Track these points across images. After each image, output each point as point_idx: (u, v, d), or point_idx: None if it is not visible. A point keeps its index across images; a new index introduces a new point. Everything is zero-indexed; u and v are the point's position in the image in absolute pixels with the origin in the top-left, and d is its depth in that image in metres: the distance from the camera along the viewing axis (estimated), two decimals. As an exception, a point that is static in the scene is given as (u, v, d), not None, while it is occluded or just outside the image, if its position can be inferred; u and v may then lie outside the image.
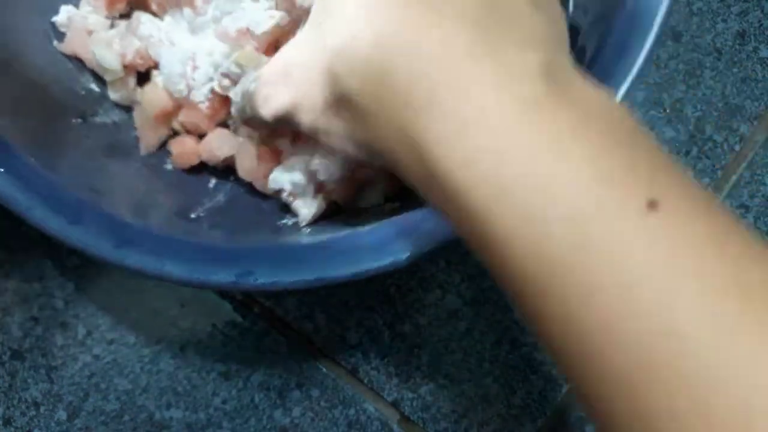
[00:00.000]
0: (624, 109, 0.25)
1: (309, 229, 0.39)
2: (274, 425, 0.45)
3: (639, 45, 0.35)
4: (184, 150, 0.42)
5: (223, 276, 0.34)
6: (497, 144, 0.24)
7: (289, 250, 0.35)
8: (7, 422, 0.44)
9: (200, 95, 0.40)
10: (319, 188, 0.39)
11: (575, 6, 0.40)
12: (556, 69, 0.25)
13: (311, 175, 0.38)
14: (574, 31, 0.39)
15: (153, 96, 0.41)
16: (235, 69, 0.38)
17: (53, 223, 0.35)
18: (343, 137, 0.29)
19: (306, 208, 0.39)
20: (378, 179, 0.40)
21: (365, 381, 0.45)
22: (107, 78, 0.42)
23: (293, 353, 0.45)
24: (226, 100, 0.40)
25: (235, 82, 0.38)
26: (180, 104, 0.41)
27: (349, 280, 0.34)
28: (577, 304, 0.22)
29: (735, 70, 0.48)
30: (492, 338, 0.45)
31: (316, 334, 0.46)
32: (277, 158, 0.40)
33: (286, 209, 0.40)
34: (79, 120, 0.42)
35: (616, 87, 0.35)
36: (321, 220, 0.40)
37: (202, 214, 0.40)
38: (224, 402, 0.45)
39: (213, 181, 0.42)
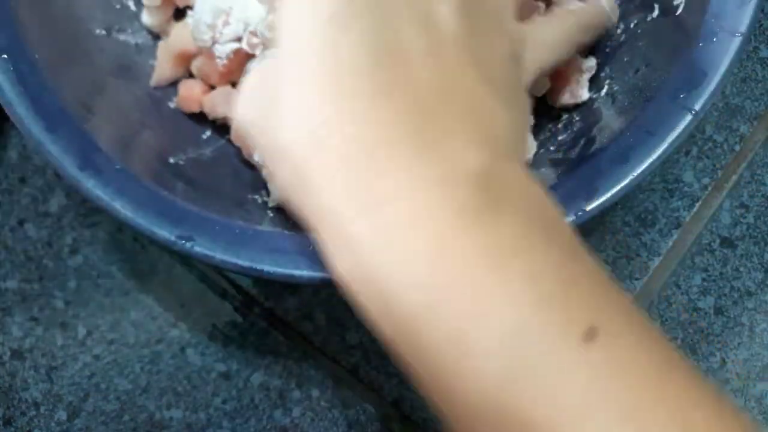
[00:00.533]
0: (562, 215, 0.25)
1: (273, 214, 0.39)
2: (274, 425, 0.45)
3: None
4: (191, 94, 0.42)
5: (165, 232, 0.34)
6: (431, 248, 0.22)
7: (237, 230, 0.35)
8: (7, 422, 0.44)
9: (223, 50, 0.40)
10: None
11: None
12: (496, 174, 0.24)
13: None
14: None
15: (181, 35, 0.41)
16: (265, 32, 0.38)
17: (31, 125, 0.35)
18: (279, 183, 0.27)
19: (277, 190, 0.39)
20: None
21: (365, 381, 0.45)
22: (145, 1, 0.43)
23: (293, 353, 0.45)
24: (243, 62, 0.41)
25: (263, 45, 0.38)
26: (202, 51, 0.41)
27: (283, 279, 0.34)
28: None
29: (735, 70, 0.48)
30: (492, 338, 0.45)
31: (316, 334, 0.46)
32: None
33: (265, 186, 0.40)
34: (103, 32, 0.42)
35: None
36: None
37: (181, 162, 0.40)
38: (224, 402, 0.45)
39: (207, 134, 0.42)
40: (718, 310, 0.45)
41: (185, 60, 0.42)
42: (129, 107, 0.41)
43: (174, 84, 0.43)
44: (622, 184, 0.33)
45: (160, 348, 0.45)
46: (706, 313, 0.45)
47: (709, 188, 0.46)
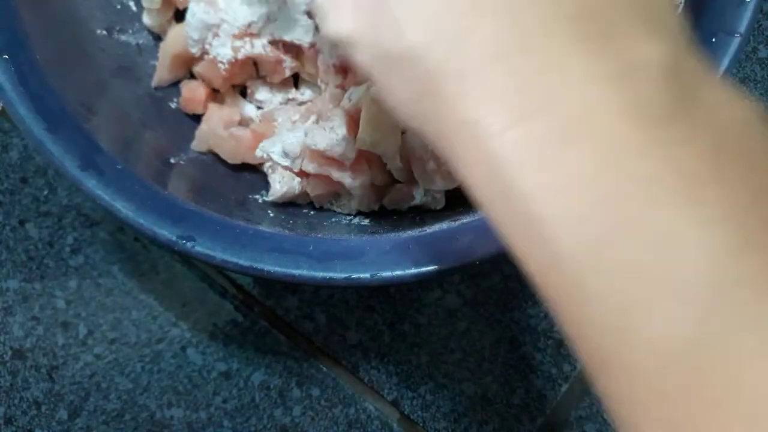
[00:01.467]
0: (763, 125, 0.19)
1: (273, 214, 0.39)
2: (274, 424, 0.45)
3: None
4: (193, 97, 0.42)
5: (166, 232, 0.34)
6: (601, 168, 0.18)
7: (237, 229, 0.35)
8: (9, 421, 0.44)
9: (224, 55, 0.40)
10: (301, 174, 0.39)
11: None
12: (684, 69, 0.19)
13: (302, 152, 0.39)
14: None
15: (177, 37, 0.41)
16: None
17: (32, 125, 0.35)
18: (396, 98, 0.22)
19: (279, 183, 0.40)
20: (356, 190, 0.39)
21: (365, 380, 0.45)
22: (144, 4, 0.43)
23: (293, 353, 0.46)
24: (245, 66, 0.41)
25: None
26: (198, 57, 0.41)
27: (284, 279, 0.34)
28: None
29: (734, 70, 0.48)
30: (491, 338, 0.45)
31: (316, 333, 0.46)
32: (261, 138, 0.41)
33: (266, 186, 0.41)
34: (104, 32, 0.42)
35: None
36: (296, 216, 0.40)
37: (182, 162, 0.40)
38: (225, 401, 0.45)
39: None
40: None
41: (185, 62, 0.42)
42: (130, 107, 0.41)
43: (175, 84, 0.43)
44: None
45: (161, 347, 0.45)
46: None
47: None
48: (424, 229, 0.36)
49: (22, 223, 0.47)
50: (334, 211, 0.41)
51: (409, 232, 0.35)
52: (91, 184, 0.34)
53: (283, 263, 0.34)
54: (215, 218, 0.35)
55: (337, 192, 0.40)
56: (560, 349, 0.45)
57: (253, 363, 0.45)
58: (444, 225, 0.35)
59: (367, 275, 0.33)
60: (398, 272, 0.33)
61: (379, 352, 0.45)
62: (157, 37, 0.44)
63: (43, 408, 0.45)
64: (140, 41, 0.44)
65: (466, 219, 0.35)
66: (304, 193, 0.40)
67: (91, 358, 0.45)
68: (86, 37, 0.41)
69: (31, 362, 0.45)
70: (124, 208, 0.34)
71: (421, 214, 0.39)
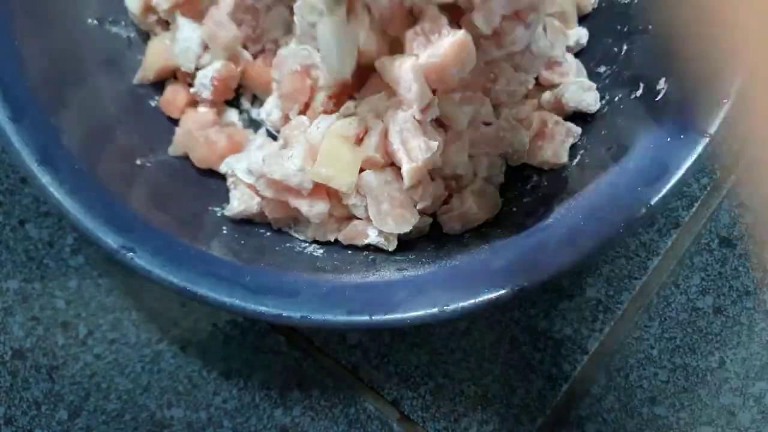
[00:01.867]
0: None
1: (227, 231, 0.39)
2: (274, 424, 0.45)
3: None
4: (174, 101, 0.42)
5: (109, 239, 0.34)
6: None
7: (180, 248, 0.35)
8: (9, 422, 0.44)
9: (206, 79, 0.40)
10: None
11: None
12: None
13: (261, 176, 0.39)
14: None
15: (160, 52, 0.41)
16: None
17: None
18: None
19: (237, 201, 0.39)
20: (314, 218, 0.39)
21: (365, 380, 0.45)
22: (128, 5, 0.42)
23: (293, 352, 0.46)
24: (226, 86, 0.41)
25: None
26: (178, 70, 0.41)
27: (215, 305, 0.34)
28: None
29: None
30: (491, 338, 0.45)
31: (316, 333, 0.46)
32: (235, 148, 0.41)
33: (226, 198, 0.40)
34: (95, 22, 0.42)
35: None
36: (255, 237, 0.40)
37: (148, 164, 0.40)
38: (225, 401, 0.45)
39: None
40: (717, 310, 0.45)
41: (168, 71, 0.42)
42: (108, 102, 0.40)
43: (162, 83, 0.43)
44: (563, 268, 0.33)
45: (161, 347, 0.45)
46: (705, 313, 0.45)
47: (708, 188, 0.47)
48: (368, 275, 0.36)
49: (22, 223, 0.47)
50: (291, 236, 0.40)
51: (353, 276, 0.36)
52: (44, 180, 0.34)
53: (217, 289, 0.34)
54: (161, 233, 0.35)
55: (296, 217, 0.40)
56: (560, 349, 0.45)
57: (253, 363, 0.45)
58: (388, 274, 0.36)
59: (297, 315, 0.33)
60: (328, 317, 0.33)
61: (379, 352, 0.45)
62: (146, 34, 0.44)
63: (43, 408, 0.45)
64: (131, 34, 0.43)
65: (411, 271, 0.36)
66: (261, 213, 0.40)
67: (91, 358, 0.45)
68: (75, 25, 0.41)
69: (31, 362, 0.45)
70: (72, 209, 0.34)
71: (375, 254, 0.39)
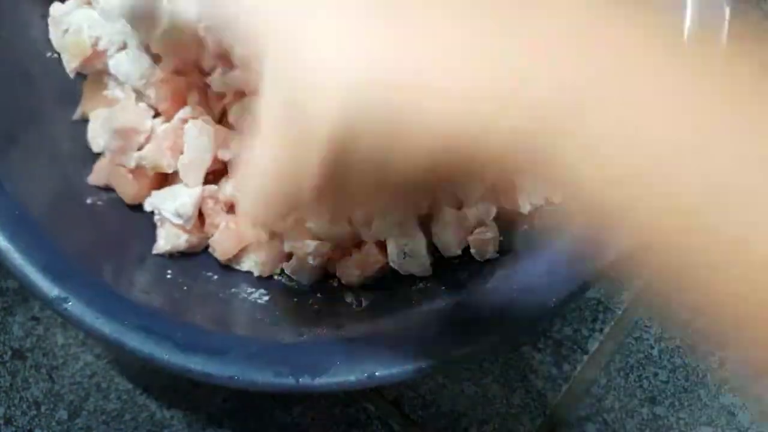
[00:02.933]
0: None
1: (171, 274, 0.39)
2: (274, 424, 0.45)
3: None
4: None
5: (45, 289, 0.34)
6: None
7: (115, 298, 0.35)
8: (8, 421, 0.44)
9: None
10: (194, 230, 0.39)
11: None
12: None
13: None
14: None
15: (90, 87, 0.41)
16: None
17: None
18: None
19: (164, 240, 0.39)
20: (255, 247, 0.40)
21: (365, 380, 0.45)
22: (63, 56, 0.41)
23: (293, 352, 0.46)
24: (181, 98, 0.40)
25: None
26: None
27: (143, 358, 0.34)
28: None
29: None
30: (491, 337, 0.45)
31: (316, 333, 0.46)
32: (159, 183, 0.40)
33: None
34: (55, 56, 0.41)
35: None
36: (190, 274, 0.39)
37: (99, 202, 0.39)
38: (225, 401, 0.45)
39: None
40: (717, 310, 0.45)
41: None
42: (60, 138, 0.40)
43: None
44: (492, 344, 0.34)
45: (160, 347, 0.45)
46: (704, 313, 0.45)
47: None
48: (304, 332, 0.36)
49: (21, 223, 0.47)
50: (238, 279, 0.40)
51: (288, 332, 0.36)
52: None
53: (147, 344, 0.33)
54: (98, 281, 0.35)
55: (241, 249, 0.40)
56: (560, 349, 0.45)
57: (253, 363, 0.45)
58: (324, 331, 0.36)
59: (225, 375, 0.33)
60: (256, 379, 0.33)
61: (379, 352, 0.45)
62: None
63: (43, 408, 0.45)
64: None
65: (348, 329, 0.36)
66: (194, 245, 0.40)
67: (91, 358, 0.45)
68: (33, 59, 0.40)
69: (31, 362, 0.45)
70: (9, 256, 0.34)
71: (321, 305, 0.39)
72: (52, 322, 0.45)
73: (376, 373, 0.33)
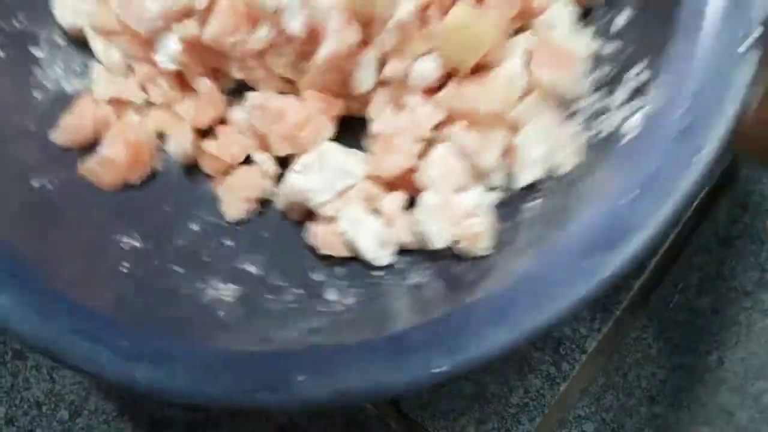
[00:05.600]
0: None
1: (128, 267, 0.35)
2: (273, 424, 0.45)
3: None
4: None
5: None
6: None
7: (52, 295, 0.30)
8: (10, 422, 0.45)
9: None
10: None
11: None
12: None
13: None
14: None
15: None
16: None
17: None
18: None
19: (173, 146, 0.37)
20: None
21: (364, 380, 0.45)
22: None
23: (292, 352, 0.46)
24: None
25: None
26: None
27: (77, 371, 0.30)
28: None
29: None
30: (490, 337, 0.45)
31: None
32: None
33: (141, 221, 0.37)
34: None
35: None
36: None
37: (48, 186, 0.35)
38: (224, 401, 0.45)
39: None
40: (715, 310, 0.45)
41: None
42: (12, 103, 0.36)
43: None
44: (490, 353, 0.28)
45: (160, 347, 0.46)
46: (703, 313, 0.45)
47: (707, 187, 0.46)
48: (268, 340, 0.31)
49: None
50: (206, 269, 0.36)
51: (251, 338, 0.31)
52: None
53: (81, 352, 0.29)
54: (33, 277, 0.30)
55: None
56: (559, 348, 0.45)
57: (253, 363, 0.45)
58: (294, 336, 0.31)
59: (170, 390, 0.29)
60: (206, 393, 0.29)
61: (377, 352, 0.45)
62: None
63: (44, 408, 0.45)
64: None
65: (325, 333, 0.32)
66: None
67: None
68: None
69: (32, 362, 0.45)
70: None
71: (298, 302, 0.35)
72: (53, 323, 0.46)
73: (349, 391, 0.28)
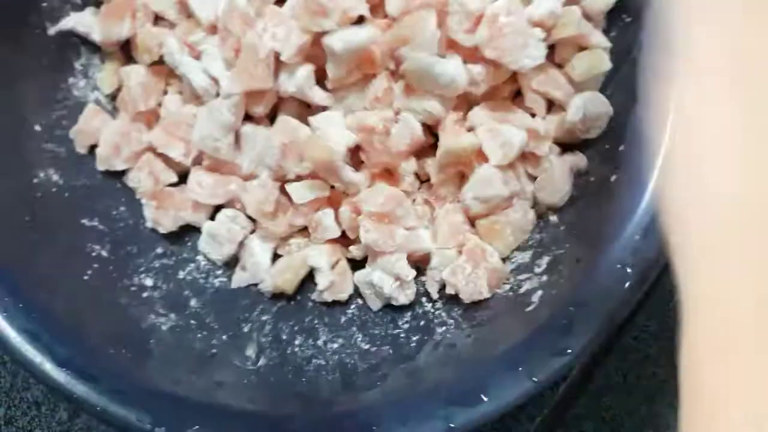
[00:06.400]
0: None
1: (79, 260, 0.39)
2: (272, 425, 0.45)
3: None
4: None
5: None
6: None
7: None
8: (9, 422, 0.45)
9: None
10: None
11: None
12: None
13: None
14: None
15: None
16: None
17: None
18: None
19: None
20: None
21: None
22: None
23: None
24: None
25: None
26: None
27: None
28: None
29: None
30: (489, 337, 0.45)
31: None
32: None
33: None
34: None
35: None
36: None
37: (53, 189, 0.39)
38: (224, 401, 0.45)
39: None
40: (715, 309, 0.45)
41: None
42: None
43: None
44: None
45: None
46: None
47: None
48: (178, 382, 0.35)
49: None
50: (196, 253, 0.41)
51: (163, 378, 0.35)
52: None
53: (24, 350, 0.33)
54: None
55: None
56: (559, 348, 0.45)
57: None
58: (202, 385, 0.35)
59: (94, 404, 0.32)
60: (119, 418, 0.32)
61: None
62: None
63: (43, 408, 0.45)
64: None
65: (228, 385, 0.37)
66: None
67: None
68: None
69: (31, 363, 0.45)
70: None
71: (218, 346, 0.39)
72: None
73: None
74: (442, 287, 0.40)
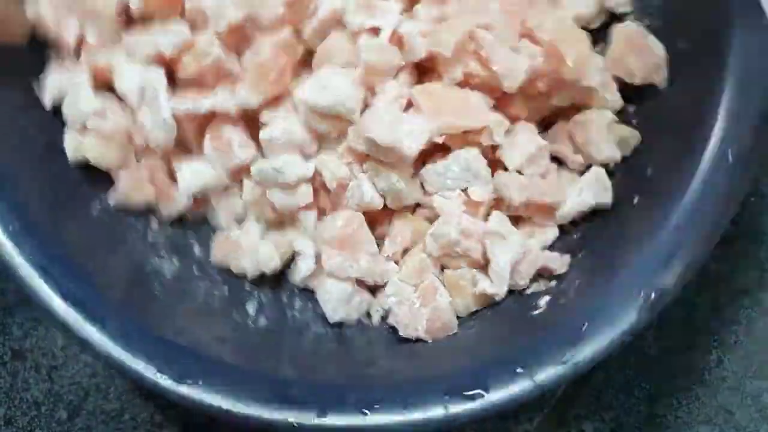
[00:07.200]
0: None
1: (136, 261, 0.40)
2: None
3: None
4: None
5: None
6: None
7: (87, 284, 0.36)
8: (9, 422, 0.45)
9: None
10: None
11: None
12: None
13: None
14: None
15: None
16: None
17: None
18: None
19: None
20: None
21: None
22: None
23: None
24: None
25: None
26: None
27: None
28: None
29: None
30: (489, 337, 0.45)
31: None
32: None
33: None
34: None
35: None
36: None
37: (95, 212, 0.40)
38: (224, 401, 0.45)
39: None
40: (715, 309, 0.45)
41: None
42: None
43: None
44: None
45: (159, 347, 0.46)
46: (702, 312, 0.45)
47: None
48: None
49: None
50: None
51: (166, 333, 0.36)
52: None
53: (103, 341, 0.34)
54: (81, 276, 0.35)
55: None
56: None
57: (252, 363, 0.45)
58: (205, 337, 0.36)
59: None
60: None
61: (377, 352, 0.45)
62: None
63: (43, 408, 0.45)
64: None
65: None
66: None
67: (91, 358, 0.45)
68: None
69: (31, 363, 0.45)
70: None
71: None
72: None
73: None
74: (386, 315, 0.40)
